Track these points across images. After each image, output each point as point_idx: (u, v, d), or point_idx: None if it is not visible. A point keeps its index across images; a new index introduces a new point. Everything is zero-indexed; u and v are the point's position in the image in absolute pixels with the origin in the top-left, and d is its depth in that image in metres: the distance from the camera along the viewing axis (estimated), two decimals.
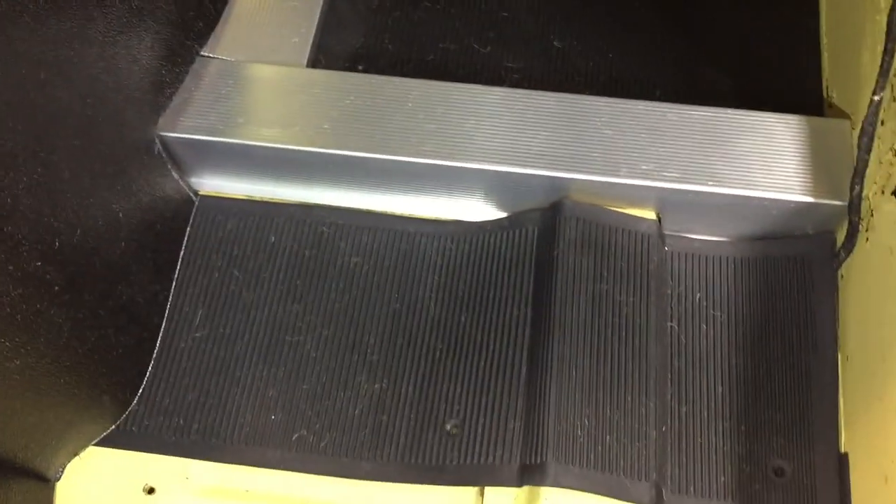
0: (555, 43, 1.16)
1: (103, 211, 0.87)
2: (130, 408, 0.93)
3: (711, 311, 0.96)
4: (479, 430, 0.89)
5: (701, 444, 0.90)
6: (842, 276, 0.96)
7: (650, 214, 0.98)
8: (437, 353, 0.95)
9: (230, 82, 1.02)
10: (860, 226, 0.92)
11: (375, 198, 1.04)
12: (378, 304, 0.99)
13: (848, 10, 1.05)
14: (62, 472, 0.90)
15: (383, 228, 1.03)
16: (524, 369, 0.91)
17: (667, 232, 1.00)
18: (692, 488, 0.88)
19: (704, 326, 0.95)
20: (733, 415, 0.91)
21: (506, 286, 0.97)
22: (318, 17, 1.12)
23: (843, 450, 0.89)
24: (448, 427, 0.91)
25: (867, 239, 0.90)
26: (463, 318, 0.97)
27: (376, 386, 0.94)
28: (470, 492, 0.89)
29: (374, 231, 1.03)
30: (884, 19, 0.85)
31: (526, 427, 0.88)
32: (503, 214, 1.02)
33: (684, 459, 0.89)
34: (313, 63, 1.11)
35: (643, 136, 0.97)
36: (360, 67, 1.14)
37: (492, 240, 1.01)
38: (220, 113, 1.00)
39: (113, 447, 0.92)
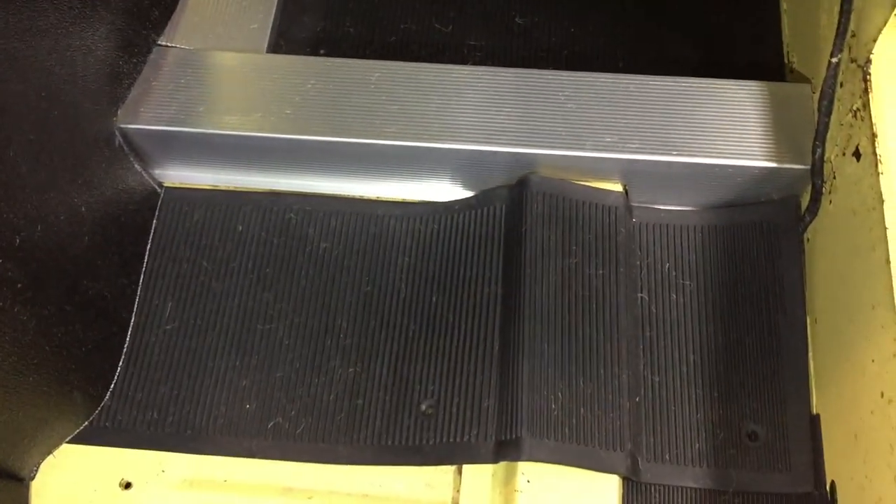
0: (517, 20, 1.16)
1: (65, 206, 0.86)
2: (103, 403, 0.93)
3: (681, 281, 0.97)
4: (454, 409, 0.89)
5: (675, 412, 0.90)
6: (808, 240, 0.97)
7: (617, 187, 0.99)
8: (410, 334, 0.95)
9: (189, 71, 1.01)
10: (823, 189, 0.92)
11: (342, 182, 1.03)
12: (349, 288, 0.98)
13: None
14: (36, 470, 0.90)
15: (351, 212, 1.02)
16: (497, 347, 0.91)
17: (634, 203, 1.00)
18: (667, 456, 0.88)
19: (674, 296, 0.96)
20: (706, 382, 0.92)
21: (476, 265, 0.97)
22: (276, 1, 1.11)
23: (814, 411, 0.90)
24: (423, 407, 0.91)
25: (830, 201, 0.91)
26: (434, 299, 0.97)
27: (350, 370, 0.94)
28: (447, 470, 0.89)
29: (343, 215, 1.02)
30: None
31: (500, 404, 0.88)
32: (471, 193, 1.02)
33: (659, 428, 0.90)
34: (273, 49, 1.10)
35: (607, 108, 0.97)
36: (321, 51, 1.13)
37: (460, 219, 1.00)
38: (181, 102, 0.99)
39: (87, 443, 0.92)
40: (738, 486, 0.87)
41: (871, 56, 0.83)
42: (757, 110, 0.96)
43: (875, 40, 0.83)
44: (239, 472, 0.90)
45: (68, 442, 0.91)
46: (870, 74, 0.84)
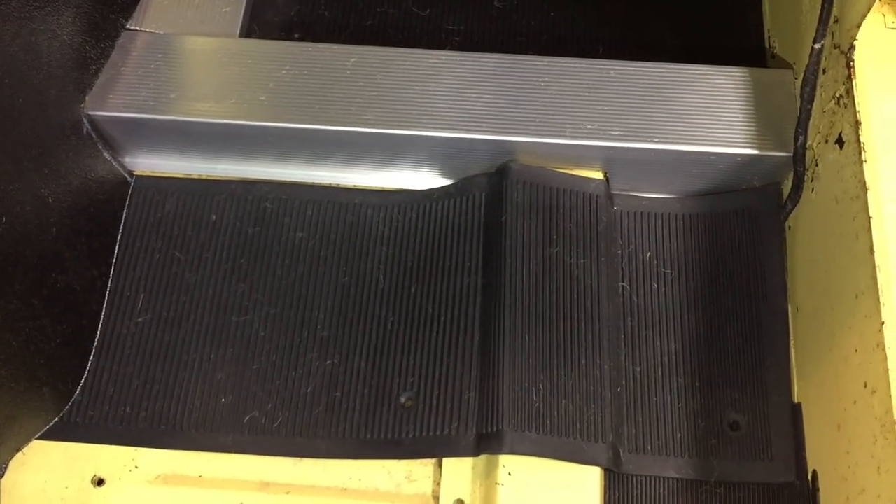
0: (495, 3, 1.14)
1: (30, 196, 0.83)
2: (73, 398, 0.90)
3: (662, 269, 0.96)
4: (434, 401, 0.88)
5: (656, 402, 0.90)
6: (789, 227, 0.96)
7: (598, 174, 0.97)
8: (389, 325, 0.93)
9: (159, 56, 0.98)
10: (805, 176, 0.92)
11: (319, 170, 1.01)
12: (326, 278, 0.96)
13: None
14: (6, 468, 0.87)
15: (328, 201, 1.00)
16: (477, 338, 0.90)
17: (615, 191, 0.99)
18: (649, 447, 0.88)
19: (656, 285, 0.95)
20: (687, 371, 0.91)
21: (455, 254, 0.95)
22: None
23: (796, 400, 0.89)
24: (402, 400, 0.89)
25: (813, 189, 0.90)
26: (413, 289, 0.95)
27: (328, 362, 0.92)
28: (427, 463, 0.88)
29: (319, 204, 1.00)
30: None
31: (481, 396, 0.86)
32: (450, 181, 1.00)
33: (640, 419, 0.89)
34: (247, 33, 1.07)
35: (587, 94, 0.95)
36: (296, 35, 1.10)
37: (439, 207, 0.99)
38: (151, 89, 0.96)
39: (57, 440, 0.89)
40: (719, 475, 0.87)
41: (855, 42, 0.82)
42: (739, 97, 0.95)
43: (859, 26, 0.82)
44: (214, 468, 0.89)
45: (38, 438, 0.89)
46: (853, 61, 0.83)
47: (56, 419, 0.89)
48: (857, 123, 0.81)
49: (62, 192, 0.88)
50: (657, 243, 0.97)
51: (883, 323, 0.73)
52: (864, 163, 0.79)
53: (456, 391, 0.88)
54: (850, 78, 0.83)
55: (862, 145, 0.80)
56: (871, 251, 0.75)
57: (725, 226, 0.97)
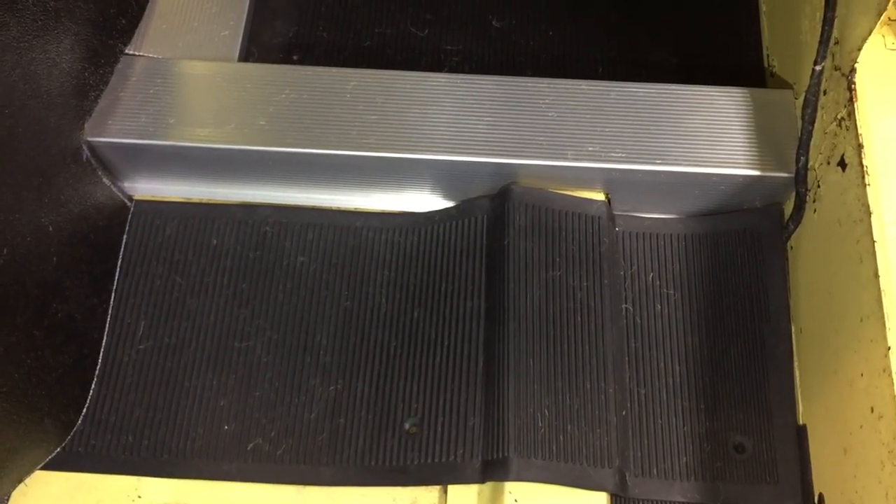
0: (494, 23, 1.14)
1: (31, 226, 0.83)
2: (75, 428, 0.89)
3: (665, 290, 0.96)
4: (439, 427, 0.87)
5: (661, 425, 0.89)
6: (791, 248, 0.96)
7: (599, 196, 0.97)
8: (392, 350, 0.93)
9: (159, 81, 0.98)
10: (807, 197, 0.92)
11: (319, 193, 1.01)
12: (328, 303, 0.96)
13: None
14: (8, 499, 0.86)
15: (329, 224, 1.00)
16: (481, 363, 0.89)
17: (617, 212, 0.99)
18: (655, 470, 0.87)
19: (659, 306, 0.95)
20: (692, 393, 0.91)
21: (458, 278, 0.95)
22: (247, 7, 1.08)
23: (801, 422, 0.89)
24: (407, 426, 0.89)
25: (815, 210, 0.90)
26: (416, 313, 0.94)
27: (331, 388, 0.92)
28: (433, 490, 0.87)
29: (320, 228, 1.00)
30: None
31: (486, 422, 0.86)
32: (451, 203, 1.00)
33: (646, 442, 0.89)
34: (245, 56, 1.07)
35: (588, 116, 0.95)
36: (294, 58, 1.10)
37: (441, 230, 0.98)
38: (150, 114, 0.96)
39: (60, 470, 0.89)
40: (725, 498, 0.87)
41: (856, 65, 0.82)
42: (739, 117, 0.95)
43: (860, 49, 0.82)
44: (218, 496, 0.88)
45: (40, 469, 0.88)
46: (855, 84, 0.83)
47: (58, 449, 0.88)
48: (860, 146, 0.81)
49: (62, 221, 0.88)
50: (660, 264, 0.97)
51: (889, 348, 0.72)
52: (867, 186, 0.79)
53: (461, 417, 0.87)
54: (851, 100, 0.83)
55: (865, 168, 0.80)
56: (876, 275, 0.75)
57: (728, 246, 0.97)
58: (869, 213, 0.78)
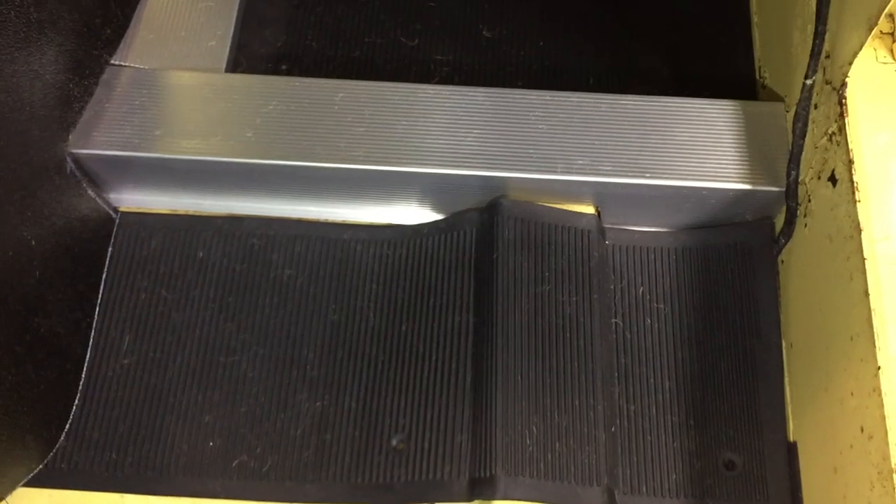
0: (484, 33, 1.13)
1: (13, 241, 0.82)
2: (58, 444, 0.88)
3: (655, 304, 0.95)
4: (426, 444, 0.86)
5: (651, 442, 0.89)
6: (782, 262, 0.95)
7: (589, 209, 0.96)
8: (380, 364, 0.92)
9: (144, 92, 0.97)
10: (798, 211, 0.91)
11: (307, 206, 1.00)
12: (315, 316, 0.95)
13: None
14: None
15: (316, 237, 0.99)
16: (469, 378, 0.89)
17: (606, 225, 0.98)
18: (644, 488, 0.87)
19: (649, 320, 0.94)
20: (682, 409, 0.90)
21: (446, 292, 0.94)
22: (235, 16, 1.07)
23: (791, 438, 0.88)
24: (394, 442, 0.88)
25: (806, 225, 0.90)
26: (404, 327, 0.94)
27: (318, 403, 0.91)
28: None
29: (307, 240, 0.99)
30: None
31: (473, 439, 0.85)
32: (440, 216, 0.99)
33: (635, 459, 0.88)
34: (233, 66, 1.06)
35: (578, 129, 0.95)
36: (283, 67, 1.09)
37: (429, 243, 0.97)
38: (136, 125, 0.95)
39: (43, 487, 0.88)
40: None
41: (847, 80, 0.82)
42: (730, 130, 0.95)
43: (851, 63, 0.81)
44: None
45: (22, 486, 0.87)
46: (846, 98, 0.82)
47: (40, 466, 0.87)
48: (850, 162, 0.80)
49: (45, 234, 0.87)
50: (650, 278, 0.96)
51: (879, 368, 0.72)
52: (857, 202, 0.78)
53: (448, 434, 0.87)
54: (842, 115, 0.82)
55: (855, 185, 0.79)
56: (866, 293, 0.75)
57: (718, 260, 0.96)
58: (859, 230, 0.77)
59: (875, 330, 0.73)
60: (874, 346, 0.73)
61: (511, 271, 0.92)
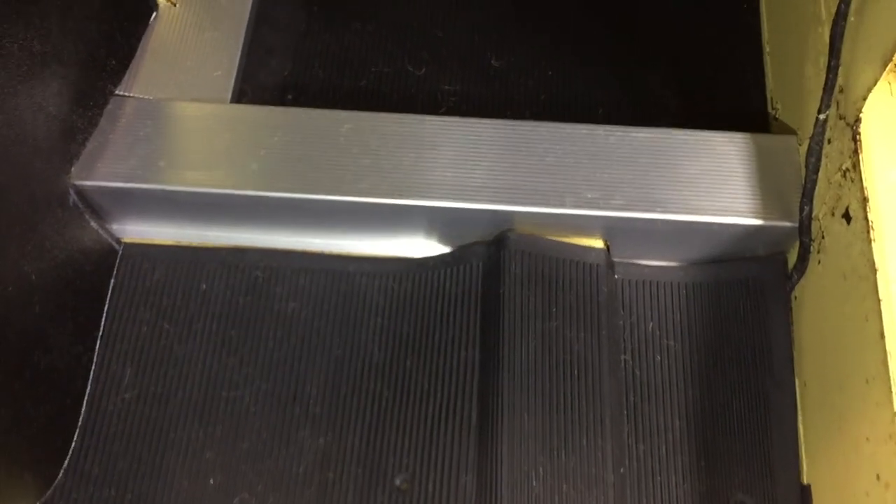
0: (492, 62, 1.12)
1: (13, 276, 0.81)
2: (56, 481, 0.87)
3: (665, 341, 0.93)
4: (430, 485, 0.85)
5: (661, 482, 0.86)
6: (795, 298, 0.93)
7: (598, 243, 0.95)
8: (384, 401, 0.91)
9: (149, 123, 0.96)
10: (812, 247, 0.89)
11: (311, 238, 0.99)
12: (319, 351, 0.93)
13: (790, 20, 1.02)
14: None
15: (321, 270, 0.98)
16: (475, 416, 0.87)
17: (616, 259, 0.96)
18: None
19: (658, 357, 0.92)
20: (692, 449, 0.88)
21: (452, 327, 0.92)
22: (241, 46, 1.06)
23: (805, 481, 0.86)
24: (398, 482, 0.86)
25: (819, 261, 0.88)
26: (409, 363, 0.92)
27: (320, 440, 0.89)
28: None
29: (311, 273, 0.97)
30: (826, 32, 0.82)
31: (479, 479, 0.83)
32: (446, 249, 0.98)
33: (645, 501, 0.86)
34: (238, 95, 1.05)
35: (587, 162, 0.93)
36: (289, 97, 1.08)
37: (435, 277, 0.96)
38: (140, 157, 0.94)
39: None
40: None
41: (861, 115, 0.80)
42: (742, 163, 0.93)
43: (865, 98, 0.79)
44: None
45: None
46: (860, 134, 0.80)
47: (38, 503, 0.86)
48: (865, 200, 0.78)
49: (46, 268, 0.86)
50: (660, 313, 0.94)
51: (895, 413, 0.70)
52: (872, 241, 0.77)
53: (453, 473, 0.85)
54: (856, 152, 0.80)
55: (870, 223, 0.77)
56: (882, 336, 0.73)
57: (730, 295, 0.94)
58: (874, 270, 0.75)
59: (891, 374, 0.71)
60: (890, 392, 0.70)
61: (518, 306, 0.90)
